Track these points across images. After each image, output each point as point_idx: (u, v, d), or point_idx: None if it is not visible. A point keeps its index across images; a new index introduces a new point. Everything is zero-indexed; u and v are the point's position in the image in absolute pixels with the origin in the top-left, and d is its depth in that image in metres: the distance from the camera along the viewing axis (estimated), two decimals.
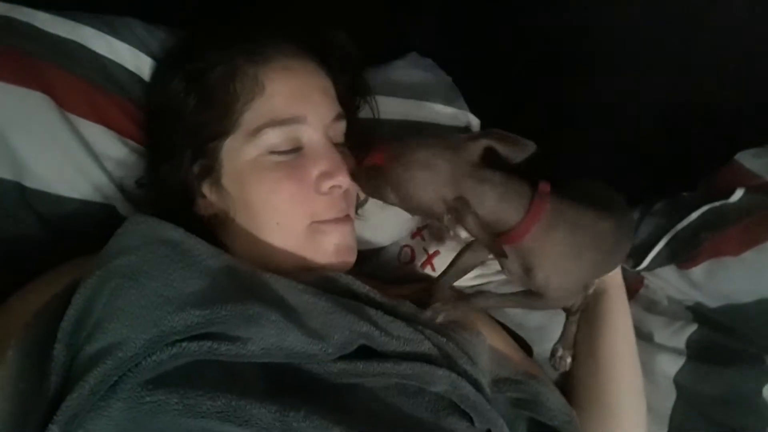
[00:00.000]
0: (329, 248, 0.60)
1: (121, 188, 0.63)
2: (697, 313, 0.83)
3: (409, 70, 0.83)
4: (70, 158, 0.60)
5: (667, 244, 0.82)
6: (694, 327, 0.80)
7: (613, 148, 0.93)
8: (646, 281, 0.88)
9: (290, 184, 0.58)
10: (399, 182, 0.57)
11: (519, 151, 0.57)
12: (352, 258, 0.63)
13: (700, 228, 0.80)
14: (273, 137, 0.57)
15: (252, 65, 0.59)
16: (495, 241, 0.55)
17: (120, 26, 0.64)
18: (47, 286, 0.51)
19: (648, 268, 0.86)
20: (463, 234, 0.56)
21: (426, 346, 0.54)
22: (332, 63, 0.65)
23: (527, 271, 0.57)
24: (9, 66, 0.57)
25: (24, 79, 0.57)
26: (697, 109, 0.89)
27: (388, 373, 0.50)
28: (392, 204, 0.59)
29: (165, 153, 0.61)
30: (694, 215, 0.80)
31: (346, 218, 0.62)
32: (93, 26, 0.63)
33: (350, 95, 0.68)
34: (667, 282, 0.85)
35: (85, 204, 0.61)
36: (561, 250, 0.56)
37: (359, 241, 0.77)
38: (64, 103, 0.60)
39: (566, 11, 0.86)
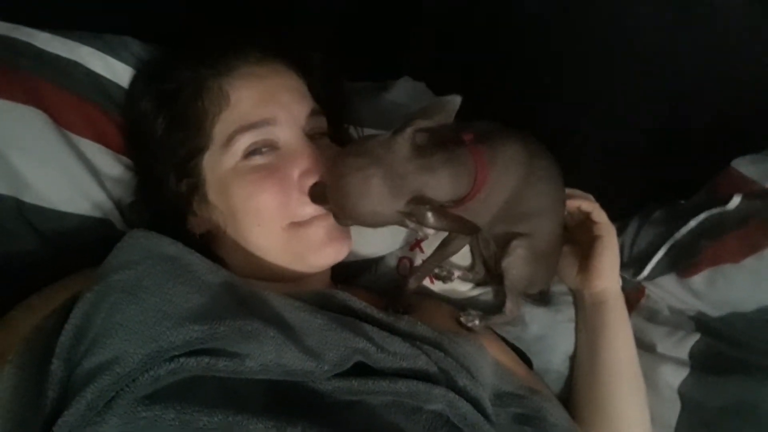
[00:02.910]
0: (319, 236, 0.60)
1: (117, 204, 0.64)
2: (700, 322, 0.83)
3: (400, 93, 0.83)
4: (67, 174, 0.60)
5: (666, 253, 0.82)
6: (696, 337, 0.79)
7: (609, 156, 0.93)
8: (646, 291, 0.88)
9: (268, 184, 0.58)
10: (347, 213, 0.55)
11: (445, 113, 0.54)
12: (346, 241, 0.62)
13: (699, 236, 0.80)
14: (245, 142, 0.58)
15: (216, 78, 0.59)
16: (458, 221, 0.54)
17: (118, 46, 0.65)
18: (46, 301, 0.51)
19: (648, 278, 0.85)
20: (430, 231, 0.55)
21: (423, 362, 0.54)
22: (299, 61, 0.65)
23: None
24: (7, 83, 0.58)
25: (21, 96, 0.58)
26: (693, 117, 0.90)
27: (384, 391, 0.49)
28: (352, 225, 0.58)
29: (151, 175, 0.62)
30: (693, 223, 0.80)
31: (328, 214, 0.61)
32: (91, 46, 0.64)
33: (325, 90, 0.68)
34: (668, 291, 0.85)
35: (82, 219, 0.61)
36: (508, 186, 0.60)
37: (355, 254, 0.77)
38: (62, 120, 0.61)
39: (563, 22, 0.86)
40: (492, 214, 0.63)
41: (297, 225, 0.60)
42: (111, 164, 0.64)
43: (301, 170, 0.59)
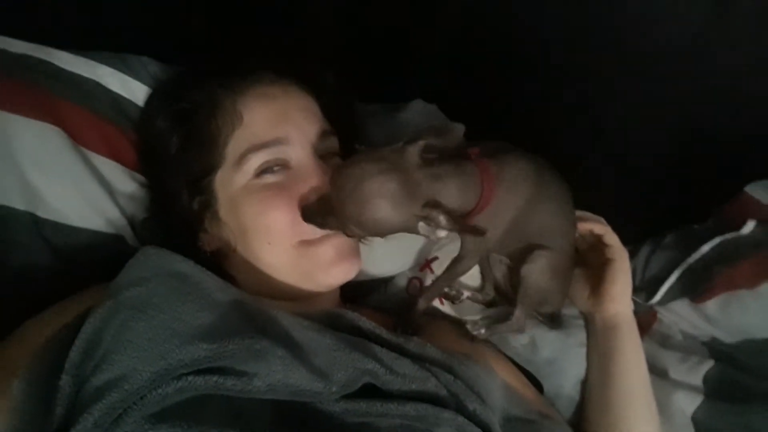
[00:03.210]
0: (328, 256, 0.60)
1: (131, 221, 0.64)
2: (714, 348, 0.81)
3: (413, 115, 0.84)
4: (82, 190, 0.61)
5: (679, 278, 0.82)
6: (710, 363, 0.78)
7: (621, 179, 0.93)
8: (659, 315, 0.87)
9: (279, 203, 0.58)
10: (361, 220, 0.54)
11: (451, 137, 0.57)
12: (356, 260, 0.62)
13: (712, 261, 0.79)
14: (257, 161, 0.58)
15: (230, 98, 0.60)
16: (469, 225, 0.56)
17: (135, 65, 0.67)
18: (58, 315, 0.51)
19: (661, 302, 0.85)
20: (442, 233, 0.56)
21: (432, 384, 0.53)
22: (312, 82, 0.66)
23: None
24: (25, 100, 0.59)
25: (39, 113, 0.59)
26: (706, 140, 0.89)
27: (392, 413, 0.49)
28: (361, 236, 0.59)
29: (164, 192, 0.62)
30: (706, 247, 0.80)
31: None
32: (110, 66, 0.65)
33: (337, 111, 0.68)
34: (681, 316, 0.84)
35: (96, 235, 0.62)
36: (516, 202, 0.60)
37: (364, 273, 0.77)
38: (78, 137, 0.62)
39: (576, 45, 0.86)
40: (501, 230, 0.63)
41: (307, 243, 0.60)
42: (125, 181, 0.65)
43: (312, 188, 0.59)
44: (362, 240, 0.67)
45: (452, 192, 0.56)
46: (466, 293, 0.78)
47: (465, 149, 0.60)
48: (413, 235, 0.78)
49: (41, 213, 0.59)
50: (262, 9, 0.74)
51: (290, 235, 0.59)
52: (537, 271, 0.66)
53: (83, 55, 0.64)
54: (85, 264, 0.60)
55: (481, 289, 0.81)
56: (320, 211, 0.57)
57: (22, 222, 0.58)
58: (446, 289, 0.77)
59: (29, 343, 0.48)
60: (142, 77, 0.67)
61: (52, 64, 0.62)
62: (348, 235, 0.58)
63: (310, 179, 0.59)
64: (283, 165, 0.60)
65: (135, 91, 0.66)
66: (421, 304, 0.69)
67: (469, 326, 0.68)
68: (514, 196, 0.62)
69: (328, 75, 0.69)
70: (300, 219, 0.58)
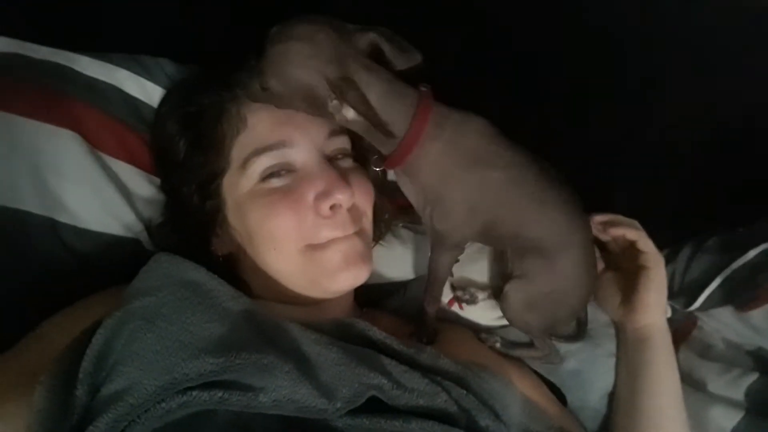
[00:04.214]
0: (335, 261, 0.59)
1: (147, 225, 0.65)
2: (760, 359, 0.76)
3: None
4: (99, 195, 0.62)
5: (721, 284, 0.76)
6: (754, 376, 0.73)
7: (663, 176, 0.87)
8: (699, 322, 0.82)
9: (282, 207, 0.57)
10: (277, 61, 0.52)
11: (404, 57, 0.54)
12: (365, 266, 0.60)
13: (758, 268, 0.73)
14: (261, 165, 0.57)
15: (235, 102, 0.59)
16: (379, 117, 0.52)
17: (153, 68, 0.67)
18: (76, 318, 0.52)
19: (701, 308, 0.79)
20: (350, 114, 0.53)
21: (442, 400, 0.51)
22: None
23: (421, 193, 0.57)
24: (44, 106, 0.60)
25: (57, 119, 0.60)
26: (756, 135, 0.82)
27: (396, 431, 0.48)
28: (273, 101, 0.55)
29: (177, 196, 0.62)
30: (752, 254, 0.74)
31: (350, 236, 0.60)
32: (129, 69, 0.66)
33: None
34: (724, 324, 0.79)
35: (113, 239, 0.63)
36: (453, 160, 0.55)
37: (382, 276, 0.76)
38: (96, 142, 0.63)
39: (604, 42, 0.81)
40: (456, 216, 0.58)
41: (313, 248, 0.58)
42: (143, 185, 0.66)
43: (317, 192, 0.57)
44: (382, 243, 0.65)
45: (372, 92, 0.52)
46: (481, 295, 0.75)
47: (419, 84, 0.56)
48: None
49: (59, 217, 0.60)
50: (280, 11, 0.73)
51: (295, 240, 0.58)
52: (513, 308, 0.62)
53: (102, 58, 0.65)
54: (103, 267, 0.62)
55: (498, 290, 0.77)
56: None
57: (41, 226, 0.59)
58: (459, 293, 0.74)
59: (50, 346, 0.49)
60: (159, 80, 0.67)
61: (72, 69, 0.63)
62: (261, 88, 0.55)
63: (316, 182, 0.58)
64: (288, 169, 0.58)
65: (152, 94, 0.66)
66: (429, 311, 0.66)
67: (483, 336, 0.65)
68: (450, 160, 0.55)
69: None
70: (303, 223, 0.57)
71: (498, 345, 0.65)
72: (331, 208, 0.58)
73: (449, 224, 0.59)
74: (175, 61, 0.68)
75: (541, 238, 0.59)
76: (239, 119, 0.59)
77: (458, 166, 0.56)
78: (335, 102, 0.52)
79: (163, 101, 0.67)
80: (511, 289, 0.61)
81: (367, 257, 0.61)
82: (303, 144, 0.59)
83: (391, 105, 0.54)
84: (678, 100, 0.80)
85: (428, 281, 0.65)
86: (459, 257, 0.66)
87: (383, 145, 0.57)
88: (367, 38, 0.53)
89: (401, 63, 0.55)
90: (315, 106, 0.54)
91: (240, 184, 0.58)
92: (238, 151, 0.59)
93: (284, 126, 0.58)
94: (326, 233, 0.58)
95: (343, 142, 0.63)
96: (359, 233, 0.61)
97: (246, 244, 0.60)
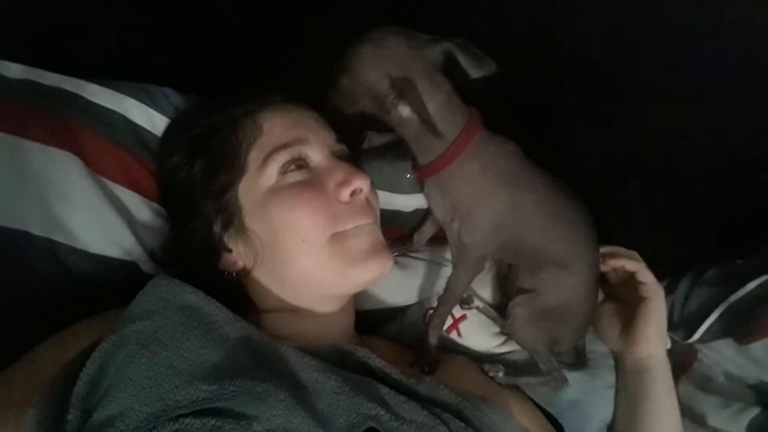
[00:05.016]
0: (362, 249, 0.60)
1: (146, 248, 0.65)
2: (761, 393, 0.75)
3: None
4: (98, 217, 0.62)
5: (721, 316, 0.76)
6: (756, 411, 0.72)
7: (661, 208, 0.87)
8: (699, 355, 0.81)
9: (308, 196, 0.59)
10: (349, 61, 0.58)
11: (479, 66, 0.57)
12: (389, 258, 0.62)
13: (758, 300, 0.73)
14: (280, 160, 0.59)
15: (248, 114, 0.62)
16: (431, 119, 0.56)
17: (159, 97, 0.69)
18: (71, 341, 0.52)
19: (701, 340, 0.79)
20: (406, 113, 0.57)
21: None
22: (319, 105, 0.68)
23: (450, 206, 0.61)
24: (47, 129, 0.61)
25: (58, 141, 0.61)
26: (756, 167, 0.82)
27: None
28: (344, 100, 0.62)
29: (184, 218, 0.63)
30: (751, 285, 0.74)
31: (372, 224, 0.63)
32: (135, 97, 0.67)
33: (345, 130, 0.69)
34: (725, 356, 0.78)
35: (111, 261, 0.63)
36: (489, 179, 0.60)
37: (380, 302, 0.76)
38: (98, 167, 0.64)
39: (606, 66, 0.82)
40: (484, 231, 0.62)
41: (340, 236, 0.59)
42: (144, 211, 0.66)
43: (337, 182, 0.60)
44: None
45: (432, 102, 0.57)
46: (478, 302, 0.76)
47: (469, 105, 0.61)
48: (431, 267, 0.77)
49: (58, 238, 0.60)
50: (279, 38, 0.75)
51: (323, 228, 0.59)
52: (518, 324, 0.64)
53: (110, 86, 0.66)
54: (100, 290, 0.62)
55: (498, 307, 0.77)
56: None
57: (40, 247, 0.59)
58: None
59: (43, 370, 0.49)
60: (165, 109, 0.68)
61: (79, 96, 0.65)
62: (336, 89, 0.61)
63: (337, 173, 0.61)
64: (304, 165, 0.61)
65: (156, 123, 0.68)
66: (431, 335, 0.67)
67: (486, 367, 0.65)
68: (486, 178, 0.60)
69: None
70: (328, 211, 0.59)
71: (501, 375, 0.65)
72: (351, 196, 0.60)
73: (476, 238, 0.63)
74: (178, 91, 0.70)
75: (560, 252, 0.63)
76: (255, 127, 0.61)
77: (493, 184, 0.61)
78: (393, 99, 0.57)
79: (169, 129, 0.68)
80: (519, 303, 0.64)
81: (388, 249, 0.63)
82: (316, 143, 0.62)
83: (444, 116, 0.58)
84: (679, 130, 0.80)
85: (442, 299, 0.68)
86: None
87: (424, 153, 0.62)
88: (440, 48, 0.57)
89: (475, 72, 0.58)
90: (376, 103, 0.60)
91: (259, 183, 0.60)
92: (256, 154, 0.60)
93: (299, 127, 0.62)
94: (350, 220, 0.60)
95: (345, 150, 0.66)
96: (377, 224, 0.64)
97: (267, 246, 0.60)
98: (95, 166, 0.63)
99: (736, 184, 0.83)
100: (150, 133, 0.68)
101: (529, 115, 0.83)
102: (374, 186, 0.66)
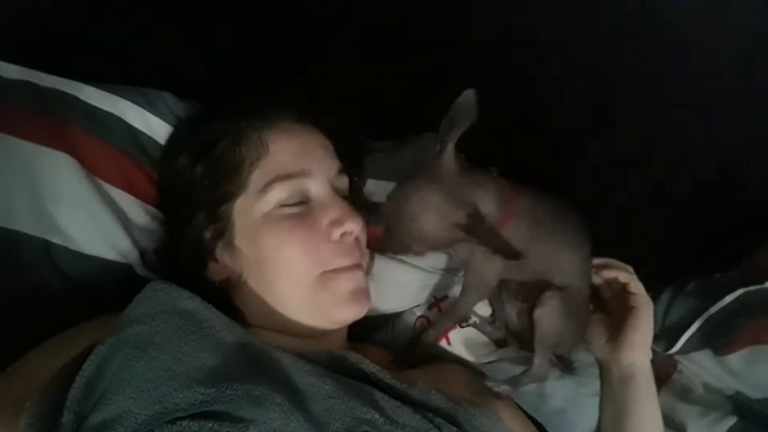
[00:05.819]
0: (344, 292, 0.60)
1: (142, 251, 0.65)
2: (738, 403, 0.78)
3: (422, 148, 0.84)
4: (94, 218, 0.62)
5: (700, 328, 0.78)
6: (733, 420, 0.75)
7: (642, 225, 0.90)
8: (679, 366, 0.83)
9: (300, 233, 0.59)
10: (413, 236, 0.59)
11: (469, 110, 0.58)
12: (367, 302, 0.63)
13: (735, 312, 0.76)
14: (281, 192, 0.60)
15: (255, 129, 0.62)
16: (505, 244, 0.59)
17: (156, 100, 0.69)
18: (64, 346, 0.51)
19: (681, 352, 0.81)
20: (479, 247, 0.60)
21: None
22: (328, 124, 0.68)
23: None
24: (42, 129, 0.61)
25: (53, 142, 0.61)
26: (733, 185, 0.86)
27: None
28: (421, 253, 0.65)
29: (178, 221, 0.63)
30: (729, 298, 0.77)
31: (358, 266, 0.63)
32: (132, 101, 0.67)
33: (349, 155, 0.70)
34: (703, 367, 0.81)
35: (106, 263, 0.63)
36: (529, 233, 0.61)
37: (372, 308, 0.76)
38: (94, 168, 0.63)
39: (595, 79, 0.84)
40: (511, 269, 0.64)
41: (327, 276, 0.60)
42: (138, 213, 0.66)
43: (330, 220, 0.60)
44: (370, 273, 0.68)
45: (491, 197, 0.60)
46: (474, 318, 0.77)
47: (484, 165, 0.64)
48: (423, 274, 0.79)
49: (53, 239, 0.60)
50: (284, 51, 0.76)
51: (311, 267, 0.59)
52: (550, 314, 0.65)
53: (107, 89, 0.66)
54: (97, 292, 0.61)
55: (491, 323, 0.79)
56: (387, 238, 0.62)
57: (34, 247, 0.59)
58: None
59: (36, 374, 0.49)
60: (162, 112, 0.68)
61: (76, 98, 0.64)
62: (415, 253, 0.64)
63: (331, 211, 0.61)
64: (303, 200, 0.61)
65: (153, 126, 0.68)
66: (430, 337, 0.69)
67: (489, 384, 0.66)
68: (529, 221, 0.62)
69: (344, 121, 0.70)
70: (317, 250, 0.59)
71: (505, 387, 0.66)
72: (341, 236, 0.60)
73: (498, 267, 0.65)
74: (177, 95, 0.70)
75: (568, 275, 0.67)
76: (260, 145, 0.61)
77: (532, 238, 0.62)
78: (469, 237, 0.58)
79: (173, 135, 0.68)
80: (554, 295, 0.65)
81: (369, 294, 0.64)
82: (319, 175, 0.62)
83: (499, 198, 0.61)
84: (662, 147, 0.83)
85: (446, 315, 0.70)
86: None
87: None
88: (449, 152, 0.59)
89: (472, 116, 0.58)
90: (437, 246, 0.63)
91: (256, 207, 0.60)
92: (258, 175, 0.60)
93: (305, 156, 0.62)
94: (335, 260, 0.60)
95: (345, 183, 0.66)
96: (362, 268, 0.64)
97: (252, 268, 0.61)
98: (91, 168, 0.63)
99: (716, 201, 0.86)
100: (147, 136, 0.68)
101: (514, 140, 0.86)
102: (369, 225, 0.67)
